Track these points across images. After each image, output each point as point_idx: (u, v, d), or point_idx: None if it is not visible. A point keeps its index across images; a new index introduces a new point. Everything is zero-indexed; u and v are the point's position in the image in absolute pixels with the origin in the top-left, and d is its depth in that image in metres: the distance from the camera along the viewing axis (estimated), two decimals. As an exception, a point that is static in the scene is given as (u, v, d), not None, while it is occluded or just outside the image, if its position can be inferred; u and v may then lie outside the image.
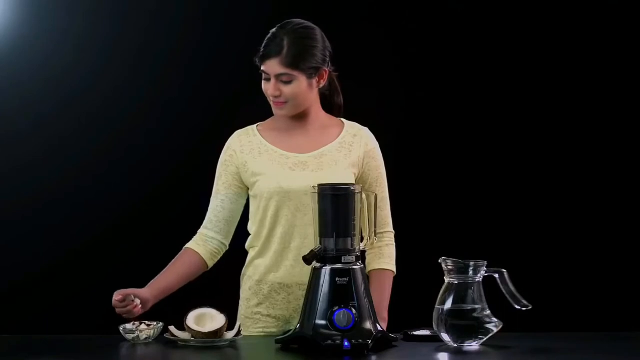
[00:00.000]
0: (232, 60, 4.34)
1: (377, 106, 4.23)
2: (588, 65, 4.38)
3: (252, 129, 3.04)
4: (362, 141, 3.01)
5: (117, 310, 2.81)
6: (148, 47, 4.37)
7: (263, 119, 3.06)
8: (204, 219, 3.09)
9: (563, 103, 4.39)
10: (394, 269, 3.03)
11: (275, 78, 2.89)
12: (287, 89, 2.90)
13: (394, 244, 3.05)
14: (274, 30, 2.93)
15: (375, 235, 2.82)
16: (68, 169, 4.34)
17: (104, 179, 4.35)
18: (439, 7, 4.40)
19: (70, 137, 4.34)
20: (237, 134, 3.04)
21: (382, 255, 3.02)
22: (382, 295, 2.97)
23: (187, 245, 3.04)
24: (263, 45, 2.91)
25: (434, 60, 4.41)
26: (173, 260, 3.02)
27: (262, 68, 2.91)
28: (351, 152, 2.99)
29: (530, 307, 2.65)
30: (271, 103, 2.94)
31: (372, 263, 3.01)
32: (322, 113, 3.02)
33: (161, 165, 4.37)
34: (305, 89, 2.91)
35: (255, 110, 3.09)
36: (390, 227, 3.05)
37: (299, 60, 2.88)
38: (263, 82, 2.93)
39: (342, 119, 3.07)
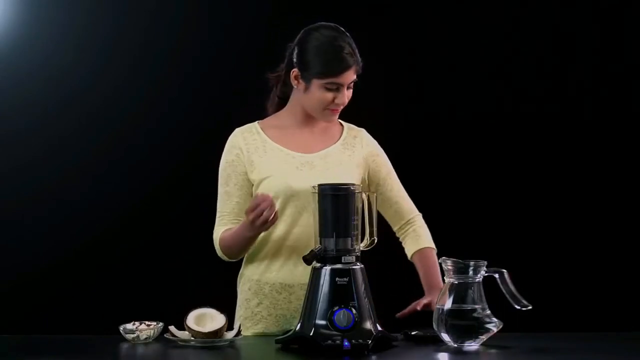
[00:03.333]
0: (232, 60, 4.35)
1: (378, 107, 4.23)
2: (587, 65, 4.39)
3: (254, 126, 3.04)
4: (363, 142, 3.05)
5: (263, 216, 2.75)
6: (148, 47, 4.37)
7: (263, 119, 3.07)
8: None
9: (563, 103, 4.39)
10: (434, 246, 3.06)
11: (346, 86, 2.93)
12: (350, 93, 2.97)
13: (424, 224, 3.09)
14: (333, 39, 2.92)
15: (376, 236, 2.82)
16: (68, 169, 4.34)
17: (104, 179, 4.35)
18: (442, 7, 4.40)
19: (70, 137, 4.34)
20: (240, 132, 3.03)
21: (419, 236, 3.05)
22: (432, 273, 2.99)
23: (218, 236, 2.98)
24: (332, 58, 2.90)
25: (434, 61, 4.41)
26: (227, 231, 2.95)
27: (335, 80, 2.91)
28: (354, 153, 3.01)
29: (530, 307, 2.65)
30: (327, 111, 2.95)
31: (411, 247, 3.04)
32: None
33: (161, 165, 4.37)
34: None
35: (255, 110, 3.09)
36: (416, 210, 3.10)
37: (360, 62, 2.96)
38: (323, 92, 2.92)
39: (340, 120, 3.08)
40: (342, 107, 2.97)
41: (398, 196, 3.06)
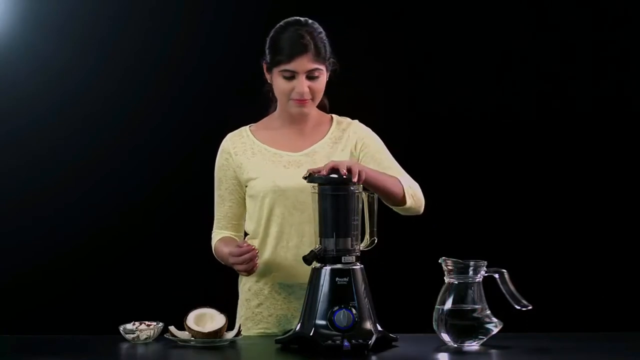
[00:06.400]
0: (232, 60, 4.34)
1: (379, 107, 4.23)
2: (587, 65, 4.39)
3: (244, 129, 3.05)
4: (352, 130, 3.03)
5: (243, 266, 2.81)
6: (148, 47, 4.36)
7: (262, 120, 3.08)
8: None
9: (563, 103, 4.39)
10: (411, 196, 2.90)
11: (304, 75, 2.89)
12: (315, 85, 2.92)
13: (418, 188, 2.96)
14: (292, 29, 2.91)
15: (376, 236, 2.82)
16: (68, 169, 4.34)
17: (104, 179, 4.35)
18: (442, 5, 4.40)
19: (70, 137, 4.34)
20: (230, 136, 3.05)
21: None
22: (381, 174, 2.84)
23: (216, 240, 3.03)
24: (284, 45, 2.89)
25: (433, 60, 4.41)
26: (220, 243, 3.00)
27: (288, 67, 2.89)
28: (346, 146, 2.99)
29: (530, 307, 2.66)
30: (292, 102, 2.93)
31: None
32: (315, 110, 3.03)
33: (161, 165, 4.37)
34: (325, 83, 2.94)
35: (255, 110, 3.09)
36: (412, 180, 2.96)
37: (325, 53, 2.92)
38: (282, 82, 2.91)
39: (332, 115, 3.07)
40: (308, 99, 2.91)
41: (390, 167, 2.95)
